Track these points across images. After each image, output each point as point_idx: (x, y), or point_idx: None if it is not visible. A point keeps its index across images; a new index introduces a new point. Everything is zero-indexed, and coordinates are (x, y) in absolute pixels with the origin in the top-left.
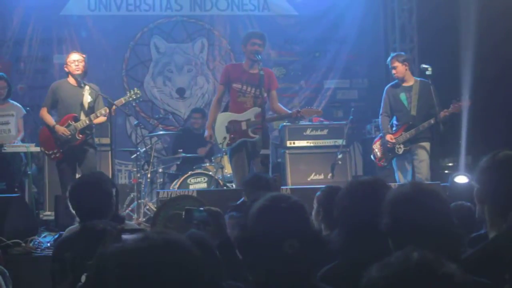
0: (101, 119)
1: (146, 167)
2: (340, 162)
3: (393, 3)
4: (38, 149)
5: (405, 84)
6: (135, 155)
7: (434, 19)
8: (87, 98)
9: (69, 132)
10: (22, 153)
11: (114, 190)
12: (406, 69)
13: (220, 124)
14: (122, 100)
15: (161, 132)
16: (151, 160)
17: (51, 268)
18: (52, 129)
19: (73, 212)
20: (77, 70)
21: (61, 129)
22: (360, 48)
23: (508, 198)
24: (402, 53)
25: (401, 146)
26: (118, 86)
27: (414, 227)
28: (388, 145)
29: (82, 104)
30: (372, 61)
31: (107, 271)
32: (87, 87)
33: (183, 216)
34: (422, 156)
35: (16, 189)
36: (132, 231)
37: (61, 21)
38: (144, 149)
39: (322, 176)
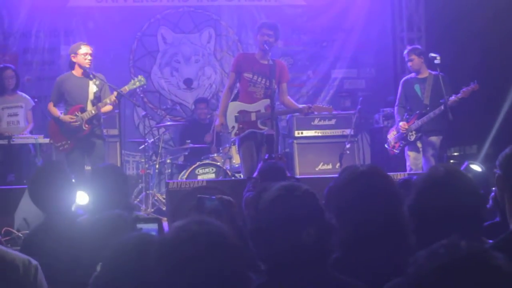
0: (108, 107)
1: (154, 158)
2: (348, 152)
3: None
4: (47, 140)
5: (420, 76)
6: (143, 146)
7: (441, 8)
8: (92, 89)
9: (74, 119)
10: (30, 145)
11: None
12: (422, 62)
13: (229, 113)
14: (126, 88)
15: (168, 123)
16: (159, 151)
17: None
18: (59, 120)
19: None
20: (88, 64)
21: (66, 118)
22: (367, 38)
23: None
24: (418, 46)
25: (413, 132)
26: (125, 77)
27: (442, 212)
28: (402, 131)
29: (88, 95)
30: (380, 50)
31: (151, 263)
32: (90, 78)
33: (195, 205)
34: (430, 150)
35: (25, 181)
36: (146, 220)
37: (68, 13)
38: (152, 140)
39: (330, 166)
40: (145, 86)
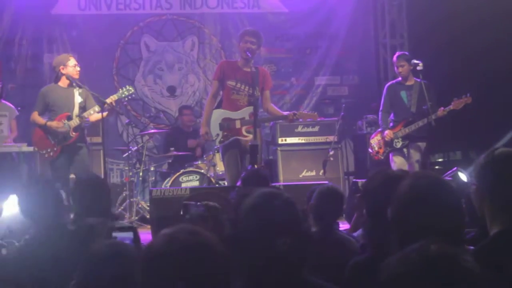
0: (96, 116)
1: (138, 165)
2: (331, 159)
3: None
4: (30, 149)
5: (407, 83)
6: (126, 153)
7: (423, 15)
8: (77, 99)
9: (62, 125)
10: (14, 153)
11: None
12: (410, 69)
13: (213, 121)
14: (115, 96)
15: (152, 131)
16: (143, 159)
17: None
18: (45, 127)
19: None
20: (77, 74)
21: (53, 124)
22: (350, 45)
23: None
24: (406, 53)
25: (400, 140)
26: (109, 85)
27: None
28: (386, 139)
29: (74, 105)
30: (363, 57)
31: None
32: (76, 88)
33: (181, 211)
34: (416, 156)
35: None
36: (121, 228)
37: (52, 21)
38: (135, 147)
39: (314, 173)
40: (133, 96)
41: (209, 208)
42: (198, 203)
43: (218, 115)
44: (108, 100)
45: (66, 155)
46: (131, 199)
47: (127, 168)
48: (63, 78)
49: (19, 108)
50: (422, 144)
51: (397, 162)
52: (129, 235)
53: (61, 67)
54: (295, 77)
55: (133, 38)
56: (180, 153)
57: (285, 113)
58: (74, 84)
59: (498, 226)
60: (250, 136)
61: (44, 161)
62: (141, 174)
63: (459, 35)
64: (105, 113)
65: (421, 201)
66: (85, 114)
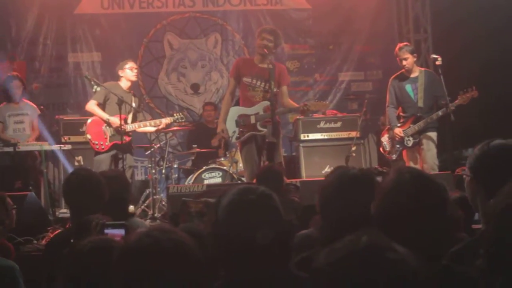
0: (148, 129)
1: (161, 163)
2: (354, 154)
3: None
4: (52, 147)
5: (412, 76)
6: (149, 151)
7: (447, 9)
8: (133, 105)
9: (123, 124)
10: (36, 151)
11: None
12: (414, 61)
13: (230, 118)
14: (170, 119)
15: (175, 128)
16: (166, 156)
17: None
18: (106, 121)
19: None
20: (134, 77)
21: (115, 122)
22: (373, 40)
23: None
24: (409, 44)
25: (410, 138)
26: (132, 83)
27: (403, 218)
28: (397, 138)
29: (130, 109)
30: (386, 52)
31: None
32: (132, 94)
33: (180, 208)
34: (428, 145)
35: (30, 187)
36: (114, 225)
37: (75, 20)
38: (158, 145)
39: None
40: (183, 121)
41: (208, 204)
42: (197, 200)
43: (235, 112)
44: (164, 121)
45: (113, 153)
46: (154, 197)
47: (150, 166)
48: (123, 80)
49: (41, 107)
50: (433, 134)
51: (411, 160)
52: (121, 232)
53: (120, 70)
54: (318, 73)
55: (156, 36)
56: (203, 150)
57: (296, 105)
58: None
59: None
60: (265, 131)
61: (67, 159)
62: (163, 171)
63: (484, 30)
64: (152, 129)
65: (404, 197)
66: (141, 124)
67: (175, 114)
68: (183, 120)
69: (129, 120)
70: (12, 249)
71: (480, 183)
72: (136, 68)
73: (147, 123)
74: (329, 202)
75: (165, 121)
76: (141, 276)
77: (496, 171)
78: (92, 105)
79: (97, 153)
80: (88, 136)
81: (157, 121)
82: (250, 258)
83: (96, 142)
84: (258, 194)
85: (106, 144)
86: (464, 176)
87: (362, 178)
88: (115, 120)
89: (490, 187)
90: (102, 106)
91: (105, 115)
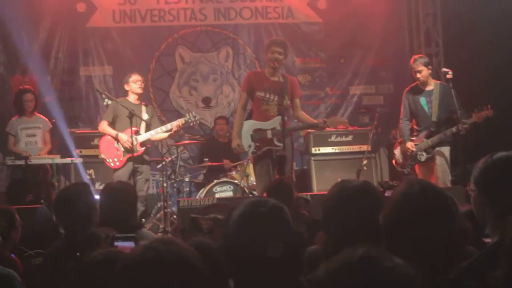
0: (161, 136)
1: (172, 176)
2: (365, 168)
3: (418, 8)
4: (64, 160)
5: (426, 88)
6: (161, 164)
7: (459, 23)
8: (144, 116)
9: (131, 141)
10: (48, 165)
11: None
12: (429, 73)
13: (245, 132)
14: (182, 121)
15: (186, 141)
16: (177, 170)
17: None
18: (115, 138)
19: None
20: (139, 89)
21: (124, 137)
22: (385, 53)
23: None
24: (424, 56)
25: (423, 153)
26: (144, 97)
27: (411, 229)
28: (408, 153)
29: (140, 121)
30: (397, 66)
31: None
32: (142, 105)
33: (189, 224)
34: (441, 161)
35: (42, 200)
36: (124, 238)
37: (87, 33)
38: (170, 158)
39: None
40: (198, 122)
41: (217, 221)
42: (206, 217)
43: (249, 126)
44: (175, 123)
45: (130, 167)
46: (166, 210)
47: (161, 179)
48: (130, 94)
49: (53, 121)
50: (446, 148)
51: (423, 175)
52: (131, 244)
53: (125, 84)
54: (329, 86)
55: (168, 50)
56: (214, 164)
57: (315, 121)
58: (140, 100)
59: (499, 235)
60: (281, 146)
61: (79, 172)
62: (175, 184)
63: (495, 43)
64: (165, 135)
65: (413, 209)
66: (153, 132)
67: (187, 115)
68: (196, 119)
69: (142, 131)
70: (18, 263)
71: (486, 197)
72: (140, 80)
73: (159, 129)
74: (331, 215)
75: (176, 123)
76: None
77: (502, 183)
78: (103, 126)
79: (115, 170)
80: (102, 156)
81: (168, 125)
82: (261, 271)
83: (110, 160)
84: (269, 207)
85: (121, 159)
86: (469, 191)
87: (364, 190)
88: (122, 137)
89: (496, 200)
90: (113, 123)
91: (113, 133)
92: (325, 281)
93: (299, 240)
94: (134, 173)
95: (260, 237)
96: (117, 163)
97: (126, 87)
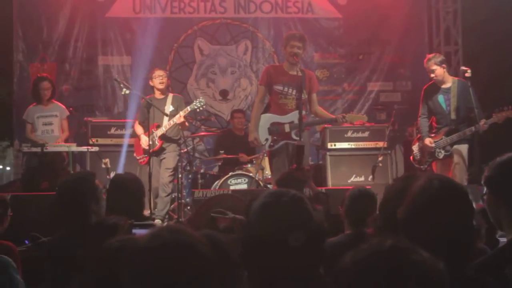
0: (180, 118)
1: (188, 167)
2: (381, 165)
3: (438, 5)
4: (80, 148)
5: (443, 86)
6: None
7: (479, 21)
8: (168, 108)
9: (147, 143)
10: (64, 153)
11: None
12: (444, 71)
13: (262, 126)
14: (187, 108)
15: (202, 133)
16: (193, 161)
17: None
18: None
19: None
20: (161, 84)
21: (143, 139)
22: (403, 51)
23: None
24: (438, 54)
25: (442, 150)
26: (162, 90)
27: (429, 224)
28: (427, 149)
29: (164, 113)
30: (416, 63)
31: (120, 266)
32: (169, 98)
33: (208, 223)
34: (457, 159)
35: (57, 188)
36: (142, 225)
37: (106, 23)
38: (186, 150)
39: (362, 178)
40: (204, 107)
41: (235, 220)
42: (226, 216)
43: (266, 119)
44: (182, 113)
45: (155, 159)
46: (180, 201)
47: None
48: (155, 89)
49: (70, 109)
50: (464, 147)
51: (440, 172)
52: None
53: (150, 81)
54: (347, 82)
55: (186, 42)
56: (230, 156)
57: (334, 116)
58: (167, 93)
59: None
60: (298, 140)
61: (94, 161)
62: (190, 176)
63: None
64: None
65: (432, 204)
66: (167, 124)
67: (194, 101)
68: (201, 104)
69: (164, 123)
70: (13, 248)
71: (499, 197)
72: (161, 76)
73: (171, 121)
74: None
75: (182, 113)
76: (150, 275)
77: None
78: (135, 126)
79: (143, 166)
80: (135, 155)
81: (176, 117)
82: (281, 260)
83: (139, 157)
84: (290, 197)
85: (145, 157)
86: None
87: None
88: (142, 138)
89: (507, 197)
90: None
91: (139, 133)
92: (350, 269)
93: (320, 230)
94: (160, 163)
95: (282, 227)
96: (143, 159)
97: (151, 83)
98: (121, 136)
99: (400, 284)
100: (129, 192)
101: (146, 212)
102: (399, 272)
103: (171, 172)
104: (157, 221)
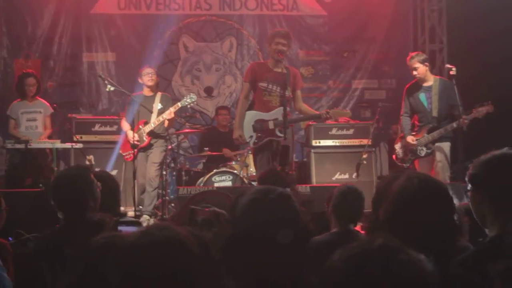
0: (170, 114)
1: (172, 164)
2: (365, 162)
3: (423, 4)
4: (64, 145)
5: (425, 84)
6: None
7: (464, 20)
8: (157, 105)
9: (136, 138)
10: (47, 149)
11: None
12: (426, 70)
13: (247, 123)
14: (178, 105)
15: (187, 130)
16: (177, 158)
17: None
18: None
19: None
20: (150, 82)
21: (130, 135)
22: (388, 48)
23: (508, 196)
24: (421, 53)
25: (424, 148)
26: (151, 87)
27: (410, 223)
28: (410, 146)
29: (152, 111)
30: (401, 61)
31: (108, 265)
32: (158, 95)
33: (188, 216)
34: (440, 156)
35: (40, 185)
36: (128, 222)
37: (91, 20)
38: (170, 147)
39: (347, 176)
40: (195, 103)
41: (216, 214)
42: (206, 210)
43: (251, 116)
44: (173, 109)
45: (142, 156)
46: (164, 198)
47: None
48: (144, 87)
49: (54, 105)
50: (446, 144)
51: (423, 170)
52: (134, 229)
53: (139, 78)
54: (332, 80)
55: (171, 38)
56: (214, 153)
57: (318, 112)
58: (156, 91)
59: (497, 230)
60: (283, 137)
61: (78, 157)
62: (174, 173)
63: (500, 40)
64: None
65: (412, 202)
66: (156, 120)
67: (185, 97)
68: (192, 100)
69: (153, 119)
70: (6, 244)
71: (483, 194)
72: (150, 73)
73: (160, 117)
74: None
75: (173, 109)
76: (139, 273)
77: (500, 181)
78: (122, 123)
79: (133, 162)
80: (121, 152)
81: (166, 113)
82: (267, 257)
83: (125, 154)
84: (278, 194)
85: (132, 153)
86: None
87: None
88: (129, 134)
89: (493, 196)
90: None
91: (125, 130)
92: (339, 268)
93: (306, 230)
94: (147, 159)
95: (268, 224)
96: (130, 155)
97: (140, 81)
98: (105, 133)
99: (389, 283)
100: (104, 188)
101: (130, 209)
102: (388, 272)
103: (158, 166)
104: (145, 217)
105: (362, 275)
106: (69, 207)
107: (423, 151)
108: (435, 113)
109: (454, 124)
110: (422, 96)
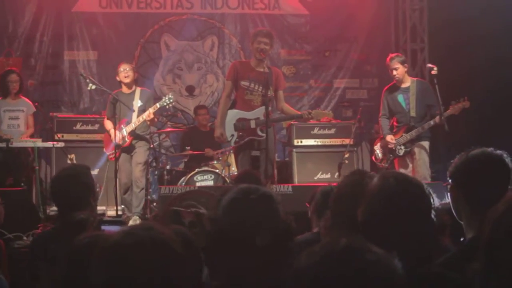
0: (149, 115)
1: (154, 164)
2: (347, 162)
3: (404, 3)
4: (46, 144)
5: (402, 86)
6: None
7: (445, 20)
8: (137, 102)
9: (118, 138)
10: (29, 148)
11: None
12: (405, 71)
13: (228, 122)
14: (157, 105)
15: (168, 129)
16: (159, 157)
17: (32, 264)
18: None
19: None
20: (126, 78)
21: (111, 134)
22: (370, 48)
23: (485, 196)
24: (400, 54)
25: (402, 147)
26: (128, 85)
27: (389, 223)
28: (389, 146)
29: (133, 109)
30: (382, 60)
31: (92, 265)
32: (137, 92)
33: (171, 217)
34: (420, 155)
35: (22, 184)
36: (111, 222)
37: (73, 18)
38: (152, 146)
39: (329, 175)
40: (173, 104)
41: (198, 214)
42: (188, 210)
43: (233, 115)
44: (151, 110)
45: (125, 155)
46: (147, 197)
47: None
48: (122, 84)
49: (36, 104)
50: (425, 143)
51: (403, 169)
52: (118, 228)
53: (116, 76)
54: (314, 79)
55: (153, 37)
56: (196, 153)
57: (300, 112)
58: (134, 87)
59: (473, 231)
60: (265, 135)
61: (60, 156)
62: (156, 172)
63: (479, 40)
64: (151, 115)
65: (389, 202)
66: (137, 120)
67: (163, 97)
68: (171, 101)
69: (134, 120)
70: (1, 244)
71: (461, 192)
72: (126, 69)
73: (140, 118)
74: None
75: (152, 110)
76: (121, 273)
77: (475, 180)
78: (105, 122)
79: (115, 161)
80: (104, 151)
81: (145, 114)
82: (246, 257)
83: (109, 153)
84: (259, 194)
85: (116, 152)
86: (447, 185)
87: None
88: (110, 134)
89: (471, 196)
90: (116, 116)
91: (107, 129)
92: (305, 270)
93: (288, 230)
94: (131, 158)
95: (248, 224)
96: (113, 155)
97: (117, 78)
98: (86, 131)
99: (359, 284)
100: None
101: (112, 208)
102: (353, 272)
103: (143, 166)
104: (135, 218)
105: (329, 278)
106: (70, 203)
107: (401, 150)
108: (413, 113)
109: (432, 122)
110: (400, 97)
